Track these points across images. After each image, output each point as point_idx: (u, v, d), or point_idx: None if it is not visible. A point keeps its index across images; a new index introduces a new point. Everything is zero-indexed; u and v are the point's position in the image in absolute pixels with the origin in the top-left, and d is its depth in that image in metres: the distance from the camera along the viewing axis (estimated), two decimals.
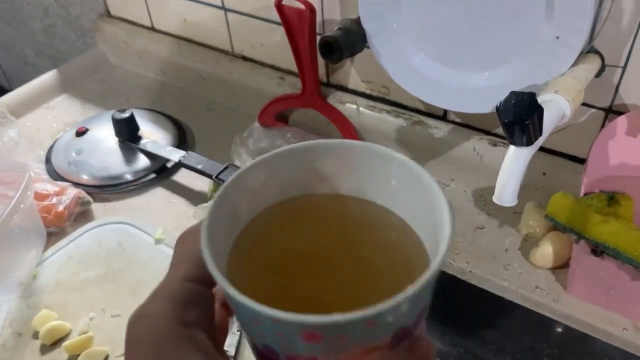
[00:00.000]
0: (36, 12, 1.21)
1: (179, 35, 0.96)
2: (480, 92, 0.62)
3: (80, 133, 0.83)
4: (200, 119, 0.90)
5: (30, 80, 0.97)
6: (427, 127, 0.74)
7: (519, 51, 0.58)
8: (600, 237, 0.52)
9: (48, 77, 0.98)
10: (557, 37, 0.55)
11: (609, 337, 0.57)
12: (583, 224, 0.53)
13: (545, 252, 0.62)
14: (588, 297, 0.59)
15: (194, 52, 0.93)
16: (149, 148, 0.80)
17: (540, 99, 0.51)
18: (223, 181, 0.72)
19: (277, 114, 0.84)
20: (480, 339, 0.69)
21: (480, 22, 0.59)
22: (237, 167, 0.74)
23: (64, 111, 0.94)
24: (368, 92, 0.79)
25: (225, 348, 0.54)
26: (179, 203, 0.75)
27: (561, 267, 0.62)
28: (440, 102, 0.66)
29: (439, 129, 0.73)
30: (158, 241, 0.68)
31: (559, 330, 0.61)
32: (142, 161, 0.79)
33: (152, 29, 0.99)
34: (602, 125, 0.63)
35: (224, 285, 0.21)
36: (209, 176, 0.73)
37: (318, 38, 0.67)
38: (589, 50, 0.58)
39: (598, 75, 0.58)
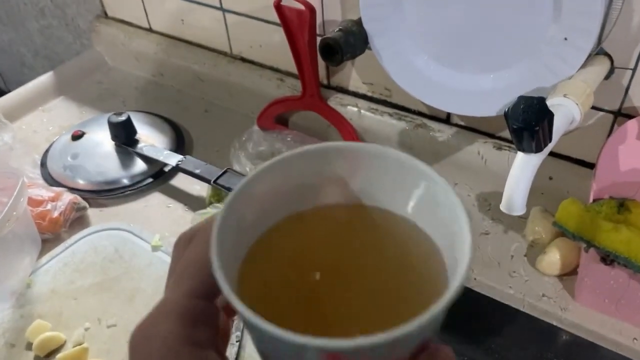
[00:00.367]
0: (32, 12, 1.19)
1: (176, 36, 0.94)
2: (485, 94, 0.60)
3: (76, 137, 0.82)
4: (198, 122, 0.88)
5: (27, 81, 0.96)
6: (430, 131, 0.72)
7: (525, 53, 0.57)
8: (611, 246, 0.50)
9: (44, 79, 0.96)
10: (565, 39, 0.53)
11: (618, 347, 0.56)
12: (593, 232, 0.51)
13: (552, 259, 0.60)
14: (597, 306, 0.57)
15: (191, 53, 0.91)
16: (146, 152, 0.78)
17: (549, 103, 0.50)
18: (221, 186, 0.71)
19: (276, 117, 0.83)
20: (485, 347, 0.68)
21: (485, 22, 0.57)
22: (236, 172, 0.72)
23: (60, 114, 0.92)
24: (369, 94, 0.78)
25: None
26: (177, 208, 0.74)
27: (568, 274, 0.61)
28: (443, 104, 0.64)
29: (443, 132, 0.71)
30: (155, 248, 0.67)
31: (567, 339, 0.60)
32: (139, 165, 0.78)
33: (150, 29, 0.97)
34: (611, 129, 0.61)
35: (241, 309, 0.20)
36: (207, 181, 0.71)
37: (318, 39, 0.65)
38: (598, 52, 0.56)
39: (607, 77, 0.57)
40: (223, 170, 0.71)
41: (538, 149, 0.42)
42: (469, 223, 0.23)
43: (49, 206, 0.69)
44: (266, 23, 0.80)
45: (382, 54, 0.63)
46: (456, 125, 0.72)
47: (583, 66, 0.54)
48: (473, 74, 0.61)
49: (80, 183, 0.76)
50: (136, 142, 0.79)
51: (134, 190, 0.76)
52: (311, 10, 0.67)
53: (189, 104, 0.92)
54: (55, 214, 0.69)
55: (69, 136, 0.82)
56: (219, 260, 0.21)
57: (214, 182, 0.70)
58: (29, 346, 0.57)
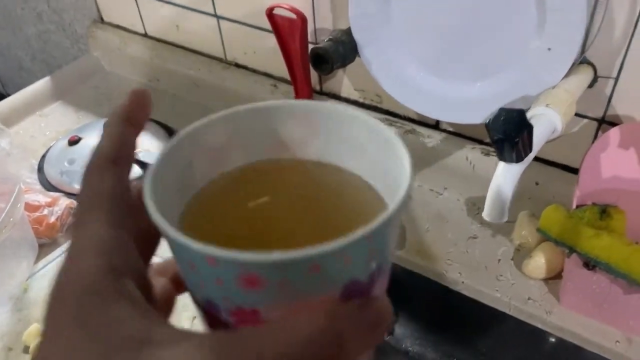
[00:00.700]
0: (30, 17, 1.20)
1: (171, 41, 0.95)
2: (472, 102, 0.62)
3: (73, 142, 0.83)
4: None
5: (25, 85, 0.97)
6: (420, 136, 0.73)
7: (510, 62, 0.58)
8: (593, 252, 0.51)
9: (41, 84, 0.98)
10: (549, 49, 0.55)
11: (602, 350, 0.57)
12: (575, 238, 0.53)
13: (538, 263, 0.61)
14: (581, 310, 0.59)
15: (186, 59, 0.93)
16: (142, 157, 0.79)
17: (531, 113, 0.51)
18: None
19: None
20: (473, 349, 0.69)
21: (472, 33, 0.59)
22: None
23: (57, 119, 0.93)
24: (361, 100, 0.79)
25: None
26: None
27: (554, 278, 0.62)
28: (431, 112, 0.65)
29: (432, 138, 0.73)
30: None
31: (552, 341, 0.61)
32: (135, 170, 0.79)
33: (145, 35, 0.98)
34: (595, 136, 0.62)
35: (163, 226, 0.20)
36: None
37: (310, 47, 0.66)
38: (582, 61, 0.57)
39: (591, 86, 0.58)
40: None
41: (519, 159, 0.44)
42: (411, 166, 0.23)
43: (45, 211, 0.71)
44: (260, 30, 0.81)
45: (371, 63, 0.65)
46: (445, 131, 0.73)
47: (567, 75, 0.56)
48: (460, 82, 0.62)
49: (77, 188, 0.77)
50: None
51: None
52: (302, 19, 0.68)
53: (184, 109, 0.93)
54: (52, 219, 0.70)
55: (65, 141, 0.84)
56: (152, 190, 0.21)
57: None
58: (26, 349, 0.59)
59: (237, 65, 0.89)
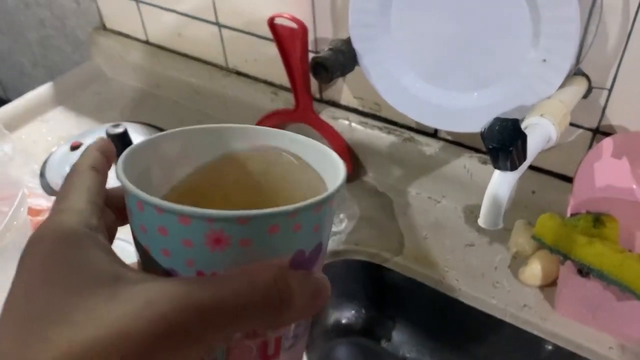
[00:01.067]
0: (32, 23, 1.21)
1: (173, 49, 0.96)
2: (470, 111, 0.63)
3: (75, 147, 0.84)
4: None
5: (26, 90, 0.98)
6: (418, 144, 0.74)
7: (507, 73, 0.59)
8: (586, 259, 0.52)
9: (43, 90, 0.99)
10: (544, 60, 0.56)
11: (596, 356, 0.58)
12: (569, 246, 0.53)
13: (534, 270, 0.62)
14: (575, 316, 0.59)
15: (188, 66, 0.94)
16: None
17: (526, 123, 0.52)
18: None
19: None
20: (470, 356, 0.70)
21: (469, 44, 0.60)
22: None
23: (59, 124, 0.94)
24: (360, 108, 0.80)
25: None
26: None
27: (549, 285, 0.63)
28: (429, 121, 0.66)
29: (430, 146, 0.74)
30: None
31: (548, 348, 0.62)
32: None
33: (147, 42, 0.99)
34: (590, 145, 0.63)
35: (132, 189, 0.22)
36: None
37: (311, 55, 0.67)
38: (576, 72, 0.58)
39: (585, 96, 0.59)
40: None
41: (513, 168, 0.45)
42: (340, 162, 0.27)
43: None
44: (260, 38, 0.82)
45: (370, 72, 0.66)
46: (443, 139, 0.74)
47: (562, 86, 0.57)
48: (458, 91, 0.63)
49: None
50: None
51: None
52: (303, 28, 0.70)
53: (185, 116, 0.94)
54: None
55: (67, 147, 0.84)
56: (124, 163, 0.24)
57: None
58: None
59: (238, 73, 0.90)
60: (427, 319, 0.71)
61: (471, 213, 0.72)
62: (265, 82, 0.88)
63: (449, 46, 0.61)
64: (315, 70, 0.64)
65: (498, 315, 0.63)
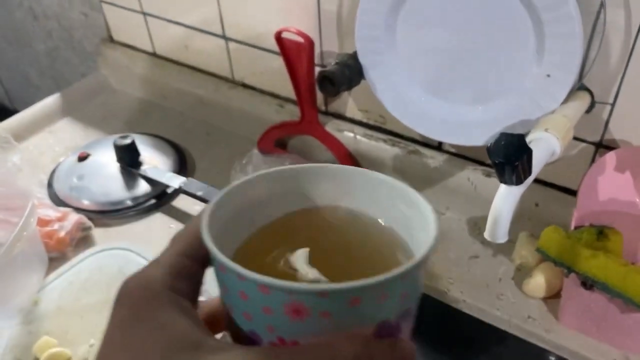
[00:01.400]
0: (40, 34, 1.23)
1: (180, 61, 0.98)
2: (474, 125, 0.64)
3: (82, 158, 0.85)
4: (201, 144, 0.91)
5: (32, 100, 0.99)
6: (423, 157, 0.75)
7: (511, 87, 0.60)
8: (590, 272, 0.53)
9: (50, 101, 1.00)
10: (548, 75, 0.57)
11: None
12: (573, 258, 0.54)
13: (538, 282, 0.63)
14: (579, 328, 0.60)
15: (194, 78, 0.95)
16: (150, 174, 0.81)
17: (530, 137, 0.53)
18: None
19: (276, 140, 0.86)
20: None
21: (474, 58, 0.61)
22: None
23: (66, 135, 0.95)
24: (365, 120, 0.81)
25: None
26: (179, 229, 0.76)
27: (553, 297, 0.63)
28: (435, 134, 0.67)
29: (434, 159, 0.75)
30: None
31: (552, 359, 0.62)
32: (143, 187, 0.81)
33: (154, 54, 1.00)
34: (593, 159, 0.64)
35: (215, 252, 0.22)
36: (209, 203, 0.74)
37: (317, 69, 0.68)
38: (580, 87, 0.59)
39: (588, 111, 0.60)
40: None
41: (519, 182, 0.46)
42: (437, 222, 0.25)
43: (56, 226, 0.72)
44: (266, 51, 0.83)
45: (376, 85, 0.67)
46: (447, 152, 0.75)
47: (565, 101, 0.58)
48: (463, 105, 0.64)
49: (86, 203, 0.79)
50: (140, 164, 0.82)
51: (137, 210, 0.79)
52: (310, 42, 0.71)
53: (192, 127, 0.95)
54: (62, 234, 0.72)
55: (75, 157, 0.85)
56: (209, 224, 0.24)
57: None
58: None
59: (244, 85, 0.91)
60: (431, 330, 0.71)
61: (475, 225, 0.73)
62: (271, 94, 0.89)
63: (454, 61, 0.62)
64: (322, 84, 0.65)
65: (502, 326, 0.63)
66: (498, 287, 0.65)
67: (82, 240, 0.74)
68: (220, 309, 0.26)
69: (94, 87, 1.05)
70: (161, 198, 0.80)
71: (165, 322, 0.22)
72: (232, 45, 0.87)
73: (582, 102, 0.58)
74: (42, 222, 0.72)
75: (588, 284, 0.55)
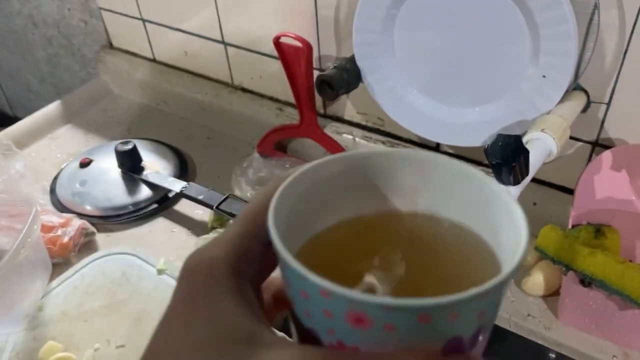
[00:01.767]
0: (40, 42, 1.24)
1: (179, 66, 0.98)
2: (471, 126, 0.65)
3: (84, 164, 0.86)
4: (201, 149, 0.92)
5: (33, 107, 1.00)
6: None
7: (507, 89, 0.61)
8: (588, 269, 0.54)
9: (52, 108, 1.01)
10: (544, 76, 0.58)
11: None
12: (571, 256, 0.55)
13: (537, 280, 0.64)
14: (579, 325, 0.61)
15: (194, 83, 0.96)
16: (151, 179, 0.82)
17: (527, 137, 0.54)
18: (223, 211, 0.74)
19: (276, 144, 0.87)
20: None
21: (470, 61, 0.61)
22: (237, 197, 0.76)
23: (67, 141, 0.96)
24: (364, 123, 0.82)
25: None
26: (180, 233, 0.77)
27: (552, 295, 0.64)
28: (432, 135, 0.68)
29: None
30: (160, 271, 0.70)
31: (552, 357, 0.63)
32: (144, 192, 0.81)
33: (154, 60, 1.01)
34: (589, 158, 0.65)
35: (279, 248, 0.21)
36: (210, 206, 0.75)
37: (315, 72, 0.69)
38: (575, 87, 0.60)
39: (584, 110, 0.61)
40: (225, 196, 0.75)
41: (516, 182, 0.46)
42: (527, 229, 0.23)
43: (59, 232, 0.73)
44: (265, 56, 0.84)
45: (374, 88, 0.68)
46: (445, 153, 0.76)
47: (561, 101, 0.58)
48: (460, 107, 0.65)
49: (88, 209, 0.80)
50: (142, 169, 0.83)
51: (139, 215, 0.79)
52: (308, 47, 0.71)
53: (192, 132, 0.96)
54: (66, 239, 0.72)
55: (77, 163, 0.86)
56: (275, 211, 0.22)
57: (216, 207, 0.74)
58: None
59: (244, 90, 0.92)
60: None
61: None
62: (271, 98, 0.90)
63: (451, 63, 0.63)
64: (320, 88, 0.66)
65: (502, 325, 0.64)
66: None
67: (85, 246, 0.75)
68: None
69: (94, 94, 1.06)
70: (163, 202, 0.81)
71: (223, 310, 0.21)
72: (231, 50, 0.88)
73: (577, 102, 0.59)
74: (46, 229, 0.73)
75: (586, 281, 0.55)
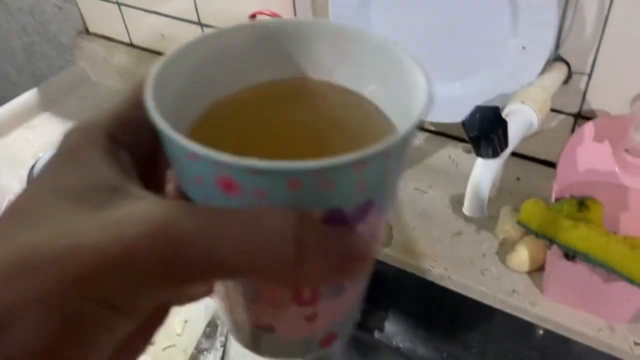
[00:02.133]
0: (15, 30, 1.21)
1: (157, 50, 0.96)
2: (452, 101, 0.63)
3: None
4: None
5: (10, 97, 0.98)
6: None
7: (487, 62, 0.60)
8: (571, 242, 0.53)
9: (28, 96, 0.98)
10: (524, 48, 0.56)
11: (585, 338, 0.59)
12: (554, 230, 0.54)
13: (521, 256, 0.63)
14: (564, 300, 0.60)
15: None
16: None
17: (507, 110, 0.53)
18: None
19: None
20: (462, 343, 0.71)
21: (449, 34, 0.60)
22: None
23: (45, 130, 0.94)
24: None
25: None
26: None
27: (537, 270, 0.63)
28: None
29: (416, 138, 0.74)
30: None
31: (539, 332, 0.63)
32: None
33: (131, 44, 0.99)
34: (572, 131, 0.64)
35: (150, 109, 0.19)
36: None
37: None
38: (556, 58, 0.59)
39: (566, 82, 0.60)
40: None
41: (495, 155, 0.45)
42: (426, 89, 0.22)
43: None
44: None
45: None
46: (428, 130, 0.74)
47: (542, 72, 0.57)
48: (440, 82, 0.64)
49: None
50: None
51: None
52: None
53: None
54: None
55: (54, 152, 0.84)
56: (157, 76, 0.21)
57: None
58: None
59: None
60: (418, 308, 0.72)
61: (458, 202, 0.73)
62: None
63: (430, 37, 0.61)
64: None
65: (488, 302, 0.63)
66: (482, 262, 0.65)
67: None
68: None
69: (72, 81, 1.03)
70: None
71: (90, 165, 0.20)
72: (208, 32, 0.86)
73: (558, 73, 0.58)
74: None
75: (570, 255, 0.55)
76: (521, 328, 0.63)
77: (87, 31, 1.04)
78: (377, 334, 0.75)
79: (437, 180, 0.74)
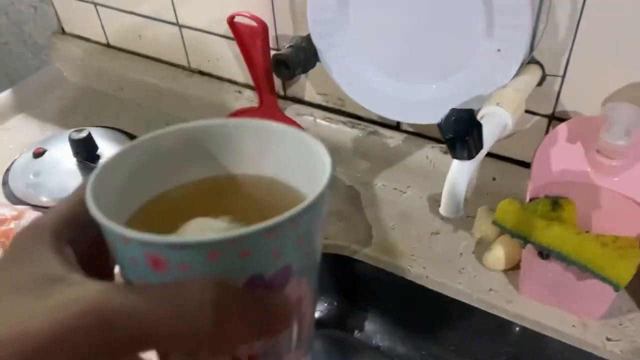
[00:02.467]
0: None
1: (134, 51, 0.96)
2: (429, 103, 0.64)
3: (38, 154, 0.83)
4: None
5: None
6: (382, 137, 0.76)
7: (463, 64, 0.60)
8: (545, 242, 0.54)
9: (3, 97, 0.97)
10: (499, 50, 0.57)
11: (560, 335, 0.60)
12: (529, 229, 0.55)
13: (497, 255, 0.64)
14: (539, 297, 0.61)
15: (150, 67, 0.93)
16: None
17: (482, 112, 0.54)
18: None
19: None
20: (440, 341, 0.72)
21: (426, 36, 0.61)
22: None
23: (21, 132, 0.93)
24: (324, 104, 0.81)
25: None
26: None
27: (513, 269, 0.65)
28: (391, 114, 0.68)
29: (393, 139, 0.75)
30: None
31: (516, 329, 0.64)
32: None
33: (108, 45, 0.98)
34: (546, 132, 0.65)
35: (89, 204, 0.22)
36: None
37: (272, 53, 0.68)
38: (530, 61, 0.60)
39: (540, 84, 0.61)
40: None
41: (470, 157, 0.46)
42: (329, 163, 0.25)
43: (12, 225, 0.70)
44: (222, 37, 0.82)
45: (331, 67, 0.67)
46: (405, 131, 0.75)
47: (517, 75, 0.58)
48: (418, 84, 0.64)
49: (44, 200, 0.77)
50: (98, 157, 0.81)
51: None
52: (263, 26, 0.70)
53: (150, 118, 0.94)
54: None
55: (30, 154, 0.83)
56: (97, 177, 0.24)
57: None
58: None
59: (201, 73, 0.90)
60: (397, 307, 0.72)
61: (435, 202, 0.74)
62: (229, 81, 0.88)
63: (407, 39, 0.62)
64: (276, 67, 0.65)
65: (465, 300, 0.64)
66: (459, 261, 0.66)
67: None
68: None
69: (48, 81, 1.02)
70: None
71: (38, 259, 0.23)
72: (186, 32, 0.86)
73: (533, 75, 0.59)
74: None
75: (545, 253, 0.56)
76: (498, 325, 0.64)
77: (63, 31, 1.03)
78: (356, 334, 0.75)
79: (415, 180, 0.75)
